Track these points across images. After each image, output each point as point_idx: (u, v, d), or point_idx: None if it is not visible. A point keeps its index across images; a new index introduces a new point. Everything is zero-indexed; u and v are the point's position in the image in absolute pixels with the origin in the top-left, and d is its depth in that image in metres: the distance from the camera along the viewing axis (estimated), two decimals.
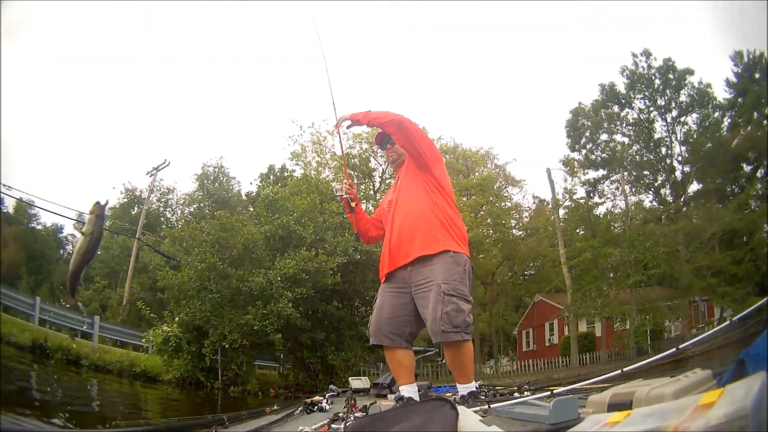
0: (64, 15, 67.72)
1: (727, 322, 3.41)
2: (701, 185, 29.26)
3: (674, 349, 3.38)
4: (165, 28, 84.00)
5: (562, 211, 30.07)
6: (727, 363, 1.61)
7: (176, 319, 16.51)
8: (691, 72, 28.81)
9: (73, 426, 6.65)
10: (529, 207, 36.54)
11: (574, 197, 30.31)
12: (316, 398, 4.90)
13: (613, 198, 30.96)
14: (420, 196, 3.71)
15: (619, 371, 3.46)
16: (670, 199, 29.75)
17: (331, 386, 6.75)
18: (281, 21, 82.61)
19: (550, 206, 32.08)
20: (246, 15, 78.64)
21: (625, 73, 30.14)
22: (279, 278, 15.14)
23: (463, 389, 3.53)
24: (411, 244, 3.61)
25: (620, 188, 30.09)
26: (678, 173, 29.61)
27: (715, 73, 49.95)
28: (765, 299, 3.27)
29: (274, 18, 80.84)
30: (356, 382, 6.28)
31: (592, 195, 31.33)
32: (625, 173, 30.00)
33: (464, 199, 28.70)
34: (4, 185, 20.30)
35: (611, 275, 25.94)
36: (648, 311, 23.99)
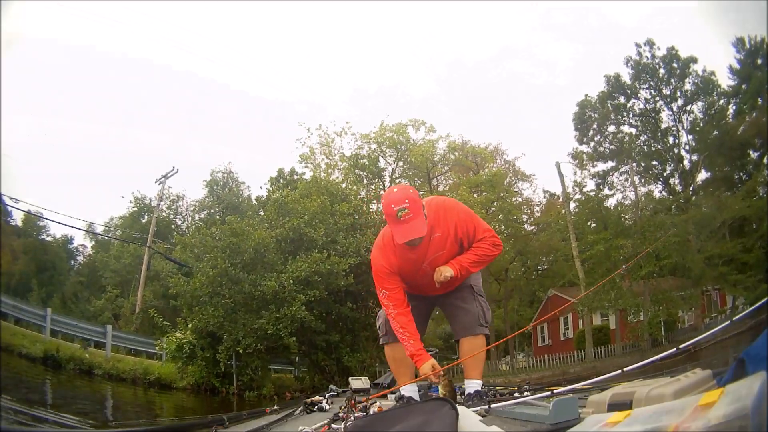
0: (65, 22, 68.11)
1: (727, 322, 3.41)
2: (709, 174, 29.11)
3: (674, 350, 3.39)
4: (170, 33, 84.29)
5: (572, 205, 30.00)
6: (727, 362, 1.61)
7: (189, 325, 16.54)
8: (694, 60, 28.56)
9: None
10: (539, 201, 36.22)
11: (584, 190, 30.14)
12: (316, 398, 4.92)
13: (622, 189, 30.68)
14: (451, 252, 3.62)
15: (619, 371, 3.47)
16: (679, 188, 29.58)
17: (331, 386, 6.77)
18: (285, 23, 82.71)
19: (560, 200, 31.90)
20: (251, 18, 78.70)
21: (629, 64, 29.90)
22: (291, 281, 15.17)
23: (472, 385, 3.61)
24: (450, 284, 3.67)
25: (629, 179, 29.84)
26: (686, 162, 29.42)
27: (718, 60, 49.51)
28: (765, 299, 3.26)
29: (279, 20, 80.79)
30: (356, 382, 6.26)
31: (602, 187, 31.07)
32: (634, 164, 29.81)
33: (475, 195, 28.62)
34: (12, 198, 20.48)
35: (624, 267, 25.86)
36: (661, 302, 24.00)
